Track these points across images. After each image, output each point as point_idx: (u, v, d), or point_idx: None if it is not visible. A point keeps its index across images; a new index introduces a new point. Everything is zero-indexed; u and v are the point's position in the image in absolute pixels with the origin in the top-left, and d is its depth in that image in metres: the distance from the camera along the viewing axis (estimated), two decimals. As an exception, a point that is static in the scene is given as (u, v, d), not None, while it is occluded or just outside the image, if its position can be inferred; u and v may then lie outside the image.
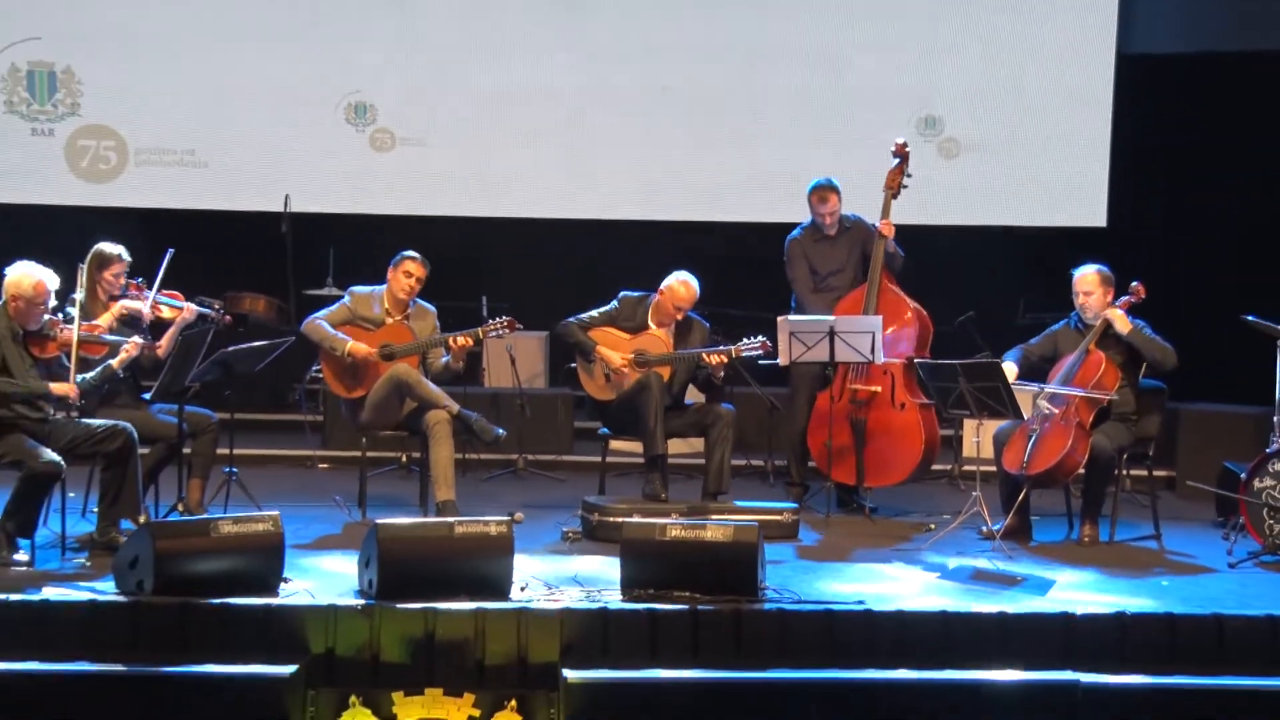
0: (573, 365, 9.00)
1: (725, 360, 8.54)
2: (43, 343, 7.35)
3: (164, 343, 8.03)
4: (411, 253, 8.60)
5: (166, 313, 8.03)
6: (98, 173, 11.90)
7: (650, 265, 8.97)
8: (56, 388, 7.23)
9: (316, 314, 8.64)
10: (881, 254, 8.94)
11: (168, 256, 7.97)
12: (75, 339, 7.35)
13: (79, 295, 7.73)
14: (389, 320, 8.59)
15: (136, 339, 7.62)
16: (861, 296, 8.94)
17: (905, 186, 9.09)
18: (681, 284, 8.69)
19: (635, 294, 8.87)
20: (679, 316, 8.73)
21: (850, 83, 11.87)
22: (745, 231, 11.72)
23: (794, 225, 9.36)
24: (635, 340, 8.74)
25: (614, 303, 8.87)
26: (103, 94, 11.84)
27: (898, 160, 9.09)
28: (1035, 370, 8.38)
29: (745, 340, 8.55)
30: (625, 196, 11.98)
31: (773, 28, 11.84)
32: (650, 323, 8.76)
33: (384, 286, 8.62)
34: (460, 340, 8.41)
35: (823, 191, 9.13)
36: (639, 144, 11.94)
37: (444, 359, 8.51)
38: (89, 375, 7.34)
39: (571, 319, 8.82)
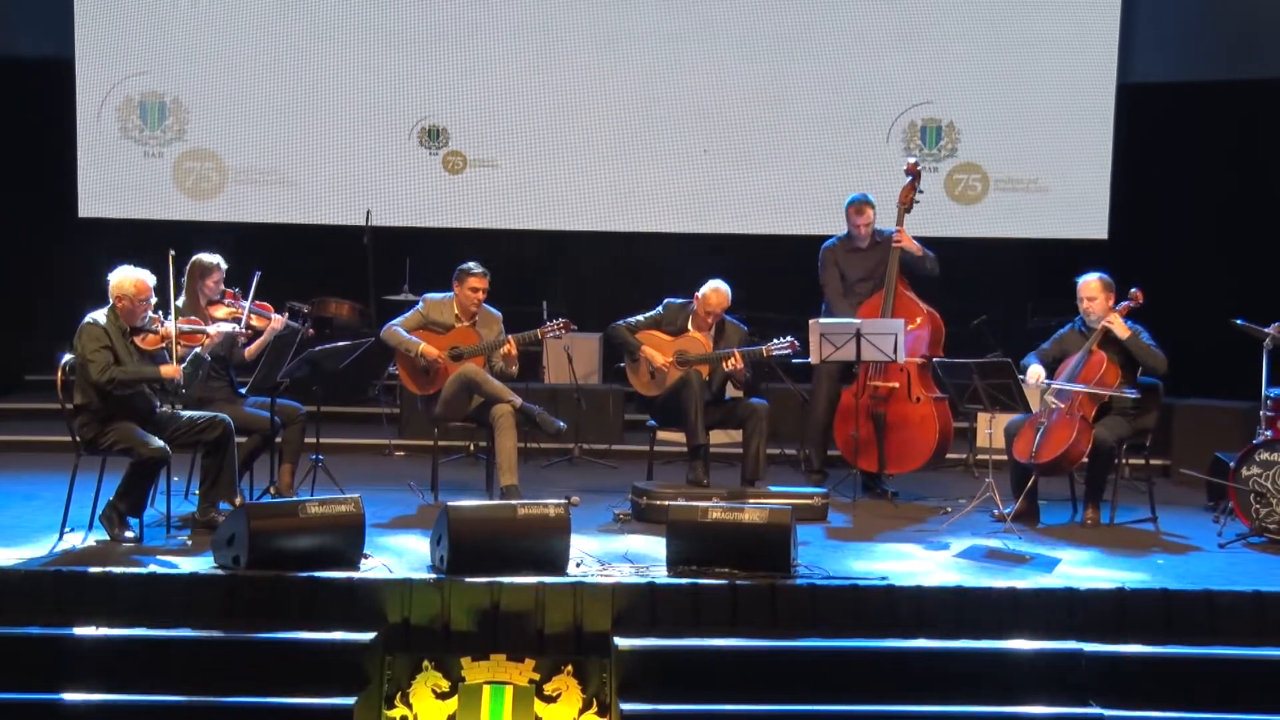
0: (621, 365, 8.98)
1: (740, 364, 8.48)
2: (146, 337, 7.40)
3: (254, 348, 8.07)
4: (473, 268, 8.56)
5: (256, 321, 8.06)
6: (200, 191, 11.94)
7: (695, 274, 8.92)
8: (164, 369, 7.28)
9: (393, 321, 8.63)
10: (897, 263, 8.88)
11: (256, 276, 7.98)
12: (174, 331, 7.39)
13: (179, 301, 7.75)
14: (458, 325, 8.58)
15: (221, 327, 7.66)
16: (880, 301, 8.89)
17: (918, 202, 9.04)
18: (713, 291, 8.66)
19: (678, 300, 8.84)
20: (714, 320, 8.70)
21: (874, 113, 11.79)
22: (779, 243, 11.66)
23: (823, 237, 9.31)
24: (677, 342, 8.72)
25: (659, 308, 8.84)
26: (205, 121, 11.88)
27: (910, 179, 9.04)
28: (1046, 370, 8.30)
29: (775, 340, 8.53)
30: (672, 211, 11.93)
31: (800, 64, 11.75)
32: (690, 326, 8.73)
33: (454, 293, 8.62)
34: (507, 348, 8.38)
35: (860, 205, 9.07)
36: (684, 164, 11.88)
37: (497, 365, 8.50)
38: (183, 364, 7.38)
39: (620, 322, 8.81)
